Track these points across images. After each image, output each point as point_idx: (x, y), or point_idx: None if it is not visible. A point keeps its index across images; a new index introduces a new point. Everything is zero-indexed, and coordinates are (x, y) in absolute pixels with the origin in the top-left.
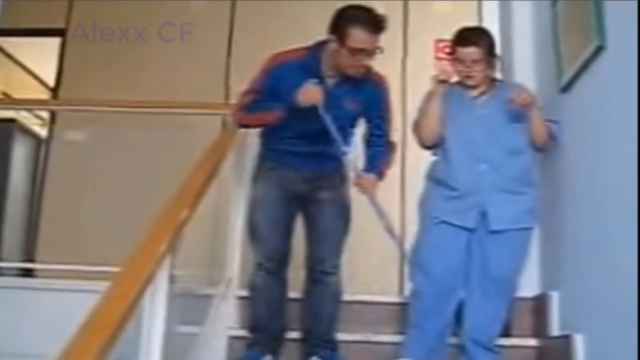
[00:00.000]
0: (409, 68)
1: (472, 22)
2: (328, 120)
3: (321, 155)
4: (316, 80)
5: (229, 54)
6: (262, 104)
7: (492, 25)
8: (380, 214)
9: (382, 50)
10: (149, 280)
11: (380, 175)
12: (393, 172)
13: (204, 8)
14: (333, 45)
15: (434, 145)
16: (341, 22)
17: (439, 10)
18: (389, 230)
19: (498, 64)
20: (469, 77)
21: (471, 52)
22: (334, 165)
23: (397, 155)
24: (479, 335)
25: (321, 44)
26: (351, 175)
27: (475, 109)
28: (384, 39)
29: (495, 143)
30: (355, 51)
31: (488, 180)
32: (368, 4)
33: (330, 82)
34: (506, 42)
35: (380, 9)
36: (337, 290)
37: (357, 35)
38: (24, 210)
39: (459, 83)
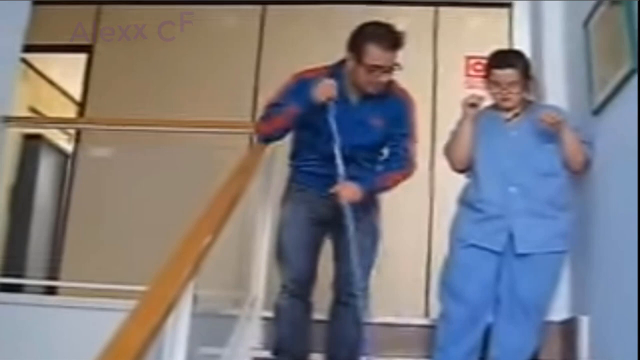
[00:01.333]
0: (439, 83)
1: (503, 39)
2: (334, 126)
3: (349, 178)
4: (332, 81)
5: (257, 72)
6: (277, 109)
7: (522, 42)
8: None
9: (400, 67)
10: (172, 306)
11: (371, 188)
12: (422, 194)
13: (233, 26)
14: (351, 63)
15: (466, 169)
16: (358, 39)
17: (470, 26)
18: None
19: (533, 86)
20: (505, 99)
21: (508, 74)
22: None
23: (425, 175)
24: None
25: (342, 62)
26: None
27: (507, 131)
28: (414, 54)
29: (526, 165)
30: (372, 68)
31: (517, 204)
32: (398, 19)
33: (354, 99)
34: (537, 61)
35: (410, 22)
36: (363, 313)
37: (373, 52)
38: (50, 226)
39: (493, 106)
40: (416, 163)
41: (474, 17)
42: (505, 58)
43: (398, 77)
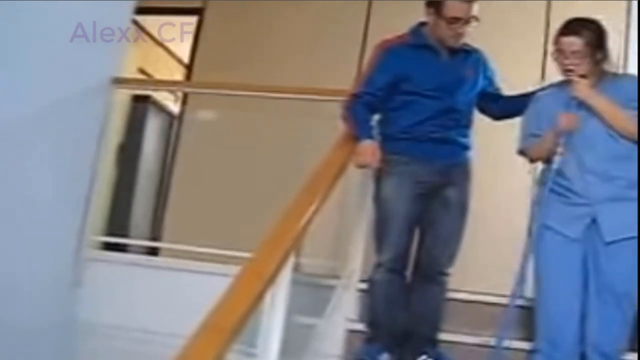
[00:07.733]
0: (549, 68)
1: (618, 24)
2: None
3: (453, 143)
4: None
5: (364, 40)
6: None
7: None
8: None
9: (477, 19)
10: (273, 278)
11: None
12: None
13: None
14: (431, 19)
15: None
16: None
17: (583, 11)
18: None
19: (609, 58)
20: (569, 70)
21: (571, 41)
22: (464, 158)
23: None
24: (604, 347)
25: (421, 24)
26: None
27: (577, 109)
28: (523, 49)
29: (596, 147)
30: (452, 20)
31: (597, 189)
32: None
33: (444, 53)
34: None
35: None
36: (446, 290)
37: (453, 5)
38: (154, 187)
39: (565, 81)
40: None
41: (588, 12)
42: (570, 25)
43: (506, 66)
